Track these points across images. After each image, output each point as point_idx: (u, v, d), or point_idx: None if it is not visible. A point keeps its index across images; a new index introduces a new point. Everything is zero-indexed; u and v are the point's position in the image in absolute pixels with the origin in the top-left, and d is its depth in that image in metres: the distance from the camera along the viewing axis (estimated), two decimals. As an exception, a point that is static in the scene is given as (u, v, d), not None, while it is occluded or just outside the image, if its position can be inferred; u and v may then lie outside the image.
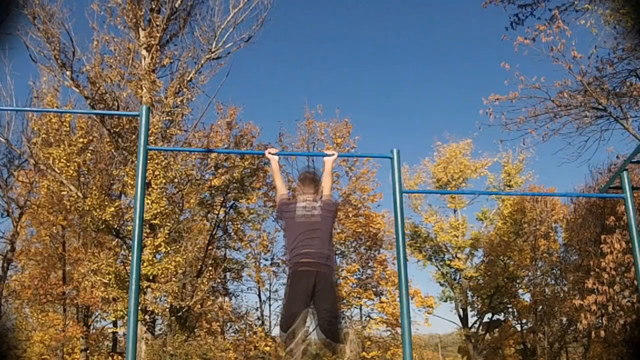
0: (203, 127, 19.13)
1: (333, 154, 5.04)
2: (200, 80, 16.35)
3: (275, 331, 36.26)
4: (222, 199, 21.07)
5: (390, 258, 23.96)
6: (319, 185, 4.75)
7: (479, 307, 28.08)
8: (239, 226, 24.02)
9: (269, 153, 5.06)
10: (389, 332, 23.85)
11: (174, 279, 15.63)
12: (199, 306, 18.09)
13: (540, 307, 24.61)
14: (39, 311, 19.96)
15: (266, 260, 25.40)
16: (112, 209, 15.36)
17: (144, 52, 15.81)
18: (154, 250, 15.08)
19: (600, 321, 15.42)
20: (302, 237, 4.45)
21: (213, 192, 20.96)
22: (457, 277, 28.43)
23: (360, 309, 25.15)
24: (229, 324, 23.95)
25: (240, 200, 22.06)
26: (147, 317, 15.48)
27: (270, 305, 25.80)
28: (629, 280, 13.95)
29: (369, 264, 24.12)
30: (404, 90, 69.90)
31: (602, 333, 14.94)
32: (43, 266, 20.46)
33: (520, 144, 14.25)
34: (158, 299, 15.92)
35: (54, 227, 20.69)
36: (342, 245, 24.33)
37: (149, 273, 14.86)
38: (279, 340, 4.24)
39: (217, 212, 21.31)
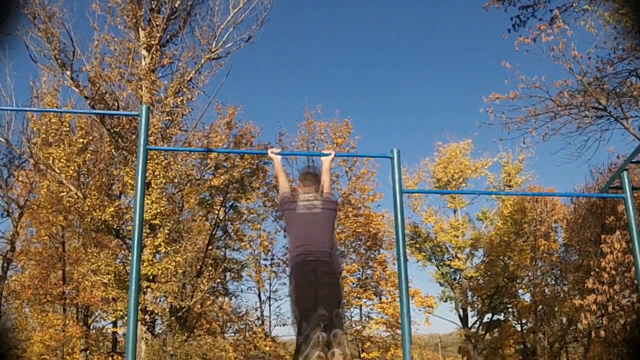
0: (203, 127, 19.15)
1: (330, 154, 5.10)
2: (200, 80, 16.35)
3: (275, 331, 36.25)
4: (222, 198, 21.08)
5: (390, 258, 23.96)
6: (320, 182, 4.77)
7: (479, 307, 28.07)
8: (238, 226, 24.04)
9: (272, 152, 5.09)
10: (388, 333, 23.84)
11: (173, 279, 15.62)
12: (199, 306, 18.08)
13: (540, 307, 24.60)
14: (39, 311, 19.96)
15: (266, 260, 25.40)
16: (112, 209, 15.35)
17: (144, 52, 15.80)
18: (154, 250, 15.07)
19: (600, 321, 15.41)
20: (305, 232, 4.48)
21: (213, 192, 20.96)
22: (457, 277, 28.41)
23: (360, 309, 25.17)
24: (229, 324, 23.96)
25: (240, 200, 22.06)
26: (147, 317, 15.48)
27: (270, 305, 25.86)
28: (629, 280, 13.95)
29: (369, 264, 24.12)
30: (404, 90, 69.95)
31: (602, 333, 14.93)
32: (43, 266, 20.46)
33: (520, 143, 14.26)
34: (158, 299, 15.91)
35: (54, 227, 20.68)
36: (342, 245, 24.32)
37: (149, 273, 14.85)
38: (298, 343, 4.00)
39: (217, 212, 21.31)
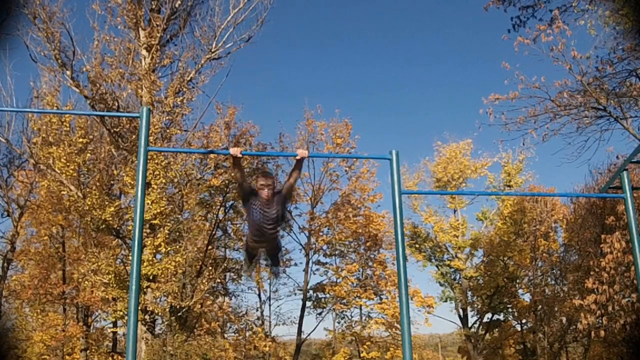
0: (202, 127, 19.16)
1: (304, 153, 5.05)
2: (200, 80, 16.35)
3: (275, 331, 36.30)
4: (221, 198, 21.09)
5: (390, 258, 23.97)
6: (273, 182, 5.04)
7: (479, 307, 28.08)
8: (238, 226, 24.04)
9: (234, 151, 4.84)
10: (388, 333, 23.85)
11: (173, 279, 15.63)
12: (199, 306, 18.08)
13: (540, 307, 24.61)
14: (39, 311, 19.97)
15: (266, 260, 25.37)
16: (112, 209, 15.36)
17: (144, 52, 15.80)
18: (154, 250, 15.08)
19: (600, 321, 15.42)
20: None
21: (212, 192, 20.95)
22: (457, 277, 28.43)
23: (360, 309, 25.17)
24: (228, 324, 23.96)
25: (239, 200, 22.06)
26: (147, 317, 15.48)
27: (270, 305, 25.88)
28: (629, 280, 13.96)
29: (369, 264, 24.13)
30: (404, 90, 69.96)
31: (602, 333, 14.93)
32: (43, 266, 20.46)
33: (520, 144, 14.29)
34: (158, 299, 15.92)
35: (54, 227, 20.69)
36: (342, 245, 24.34)
37: (149, 273, 14.86)
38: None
39: (216, 212, 21.32)
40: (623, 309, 14.42)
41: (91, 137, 17.63)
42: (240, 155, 4.89)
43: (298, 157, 5.03)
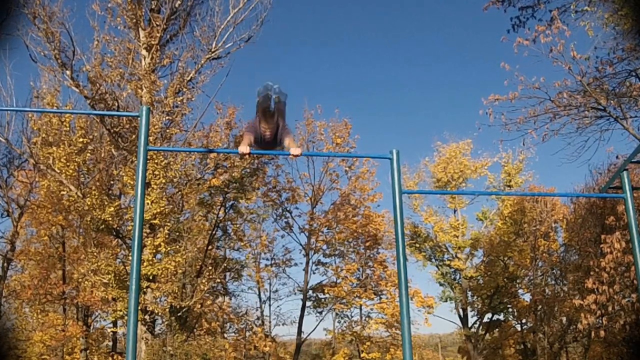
0: (202, 127, 19.15)
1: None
2: (200, 80, 16.34)
3: (275, 331, 36.25)
4: (221, 199, 21.08)
5: (390, 258, 23.96)
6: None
7: (479, 307, 28.07)
8: (238, 226, 24.03)
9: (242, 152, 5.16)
10: (388, 333, 23.85)
11: (173, 278, 15.63)
12: (199, 306, 18.08)
13: (540, 307, 24.61)
14: (39, 311, 19.96)
15: (266, 260, 25.39)
16: (112, 209, 15.35)
17: (144, 52, 15.80)
18: (154, 250, 15.07)
19: (600, 321, 15.42)
20: None
21: (212, 192, 20.96)
22: (457, 277, 28.42)
23: (360, 309, 25.17)
24: (228, 324, 23.96)
25: (239, 200, 22.07)
26: (147, 317, 15.48)
27: (270, 305, 25.88)
28: (629, 280, 13.96)
29: (369, 264, 24.12)
30: (404, 90, 69.99)
31: (602, 333, 14.93)
32: (43, 266, 20.46)
33: (520, 144, 14.29)
34: (158, 299, 15.92)
35: (54, 227, 20.69)
36: (342, 245, 24.34)
37: (149, 273, 14.86)
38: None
39: (217, 212, 21.32)
40: (623, 309, 14.42)
41: (91, 137, 17.63)
42: (248, 152, 5.07)
43: (291, 157, 5.21)
